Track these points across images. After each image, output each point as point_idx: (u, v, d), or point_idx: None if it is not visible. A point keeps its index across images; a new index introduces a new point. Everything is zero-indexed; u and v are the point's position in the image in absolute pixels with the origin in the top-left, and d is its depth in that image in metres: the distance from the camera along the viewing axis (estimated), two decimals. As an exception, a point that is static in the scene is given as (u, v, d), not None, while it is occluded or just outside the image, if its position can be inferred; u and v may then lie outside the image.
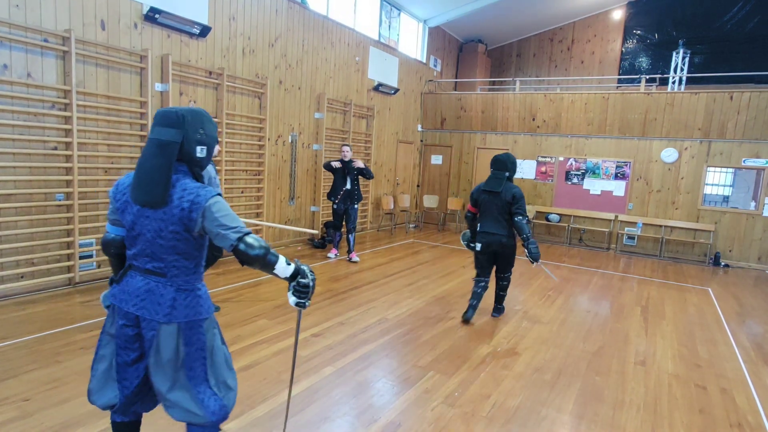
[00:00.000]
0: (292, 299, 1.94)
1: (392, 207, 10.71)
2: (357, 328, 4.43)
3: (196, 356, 1.89)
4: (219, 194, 1.82)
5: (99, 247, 5.28)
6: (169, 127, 1.80)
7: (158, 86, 5.68)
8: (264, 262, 1.83)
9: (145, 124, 5.54)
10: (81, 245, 5.08)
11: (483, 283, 4.88)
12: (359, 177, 7.16)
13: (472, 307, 4.84)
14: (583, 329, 4.84)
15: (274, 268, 1.85)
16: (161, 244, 1.81)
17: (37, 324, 4.01)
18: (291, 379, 2.32)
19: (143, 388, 1.97)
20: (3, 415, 2.68)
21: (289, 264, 1.89)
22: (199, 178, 1.89)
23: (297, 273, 1.91)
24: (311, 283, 1.93)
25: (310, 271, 1.96)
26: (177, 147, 1.80)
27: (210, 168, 4.29)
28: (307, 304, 1.94)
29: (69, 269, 5.04)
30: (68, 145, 4.86)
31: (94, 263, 5.29)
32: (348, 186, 7.00)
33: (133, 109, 5.45)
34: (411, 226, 11.47)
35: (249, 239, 1.79)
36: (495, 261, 4.90)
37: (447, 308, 5.24)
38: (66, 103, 4.81)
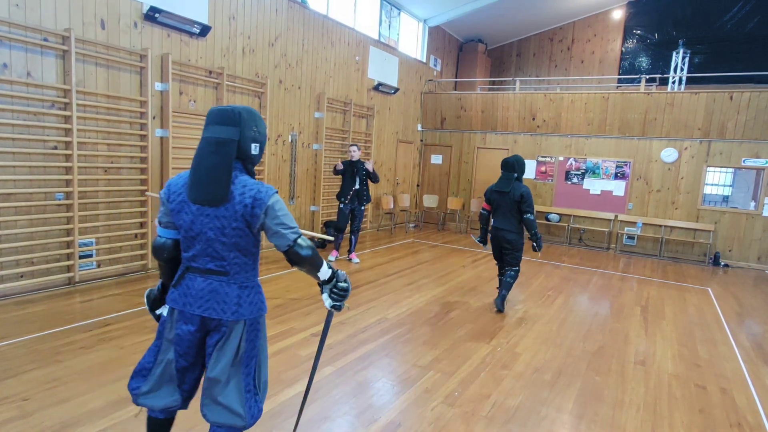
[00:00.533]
0: (328, 301, 1.98)
1: (392, 206, 10.70)
2: (357, 328, 4.43)
3: (252, 354, 1.90)
4: (276, 192, 1.84)
5: (98, 246, 5.28)
6: (227, 125, 1.80)
7: (158, 85, 5.68)
8: (313, 263, 1.88)
9: (145, 124, 5.54)
10: (81, 245, 5.08)
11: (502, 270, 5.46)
12: (368, 178, 7.05)
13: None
14: (583, 329, 4.84)
15: (319, 270, 1.91)
16: (224, 241, 1.81)
17: (36, 323, 4.01)
18: (310, 381, 2.28)
19: (194, 387, 1.98)
20: (2, 415, 2.68)
21: (328, 267, 1.96)
22: (252, 175, 1.91)
23: (333, 276, 1.97)
24: (349, 287, 2.00)
25: (345, 275, 2.03)
26: (236, 145, 1.80)
27: None
28: (342, 306, 1.99)
29: (69, 269, 5.03)
30: (68, 145, 4.86)
31: (94, 263, 5.29)
32: (357, 186, 6.89)
33: (133, 109, 5.45)
34: (411, 225, 11.46)
35: (301, 240, 1.84)
36: (501, 254, 5.31)
37: (447, 308, 5.24)
38: (66, 103, 4.80)
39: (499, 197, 5.14)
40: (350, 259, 7.19)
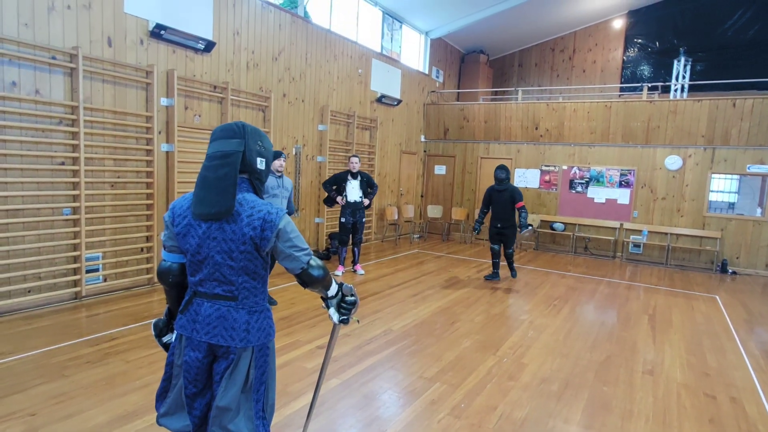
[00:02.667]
0: (335, 316, 1.97)
1: (396, 217, 10.72)
2: (362, 340, 4.42)
3: (261, 380, 1.85)
4: (285, 212, 1.81)
5: (105, 260, 5.32)
6: (231, 138, 1.78)
7: (164, 101, 5.76)
8: (325, 283, 1.86)
9: (151, 138, 5.60)
10: (87, 259, 5.11)
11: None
12: (368, 187, 6.94)
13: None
14: (590, 338, 4.81)
15: (329, 289, 1.90)
16: (232, 265, 1.76)
17: (43, 338, 4.03)
18: (315, 394, 2.27)
19: (205, 413, 1.93)
20: (10, 430, 2.69)
21: (335, 282, 1.96)
22: (258, 191, 1.86)
23: (339, 290, 1.96)
24: (357, 301, 1.99)
25: (352, 288, 2.02)
26: (240, 156, 1.77)
27: (287, 180, 5.25)
28: (349, 319, 1.99)
29: (75, 283, 5.07)
30: (75, 160, 4.92)
31: (101, 277, 5.32)
32: (356, 198, 6.80)
33: (140, 124, 5.52)
34: (415, 236, 11.46)
35: (313, 261, 1.82)
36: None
37: (452, 319, 5.22)
38: (73, 119, 4.88)
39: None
40: (355, 271, 7.18)
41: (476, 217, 6.53)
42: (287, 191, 5.27)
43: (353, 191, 6.79)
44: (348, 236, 6.96)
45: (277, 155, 5.06)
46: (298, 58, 7.83)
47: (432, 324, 5.00)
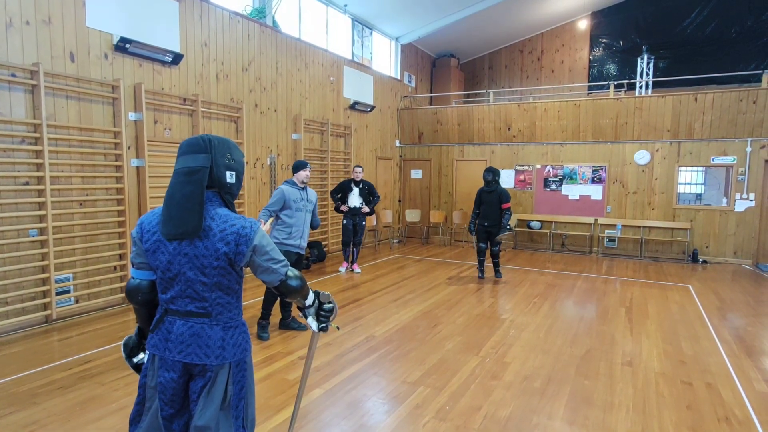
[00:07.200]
0: (314, 324, 1.96)
1: (375, 223, 10.70)
2: (344, 348, 4.38)
3: (240, 396, 1.81)
4: (259, 225, 1.78)
5: (76, 281, 5.16)
6: (197, 153, 1.74)
7: (132, 115, 5.64)
8: (303, 293, 1.85)
9: (120, 154, 5.48)
10: (57, 281, 4.96)
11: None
12: (370, 195, 7.78)
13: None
14: (570, 334, 4.87)
15: (308, 297, 1.89)
16: (205, 281, 1.72)
17: (13, 365, 3.88)
18: (296, 405, 2.25)
19: None
20: (-22, 464, 2.57)
21: (312, 292, 1.95)
22: (230, 205, 1.82)
23: (316, 299, 1.96)
24: (335, 307, 1.99)
25: (329, 296, 2.01)
26: (206, 172, 1.72)
27: (311, 192, 4.95)
28: (328, 326, 1.99)
29: (45, 306, 4.90)
30: (40, 180, 4.78)
31: (72, 298, 5.16)
32: (357, 204, 7.66)
33: (107, 140, 5.39)
34: (395, 241, 11.47)
35: (291, 272, 1.81)
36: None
37: (434, 321, 5.23)
38: (36, 137, 4.73)
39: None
40: (353, 270, 7.85)
41: (469, 218, 7.29)
42: (311, 204, 4.89)
43: (354, 198, 7.69)
44: (350, 237, 7.77)
45: (303, 166, 4.80)
46: (268, 67, 7.78)
47: (414, 328, 5.00)
